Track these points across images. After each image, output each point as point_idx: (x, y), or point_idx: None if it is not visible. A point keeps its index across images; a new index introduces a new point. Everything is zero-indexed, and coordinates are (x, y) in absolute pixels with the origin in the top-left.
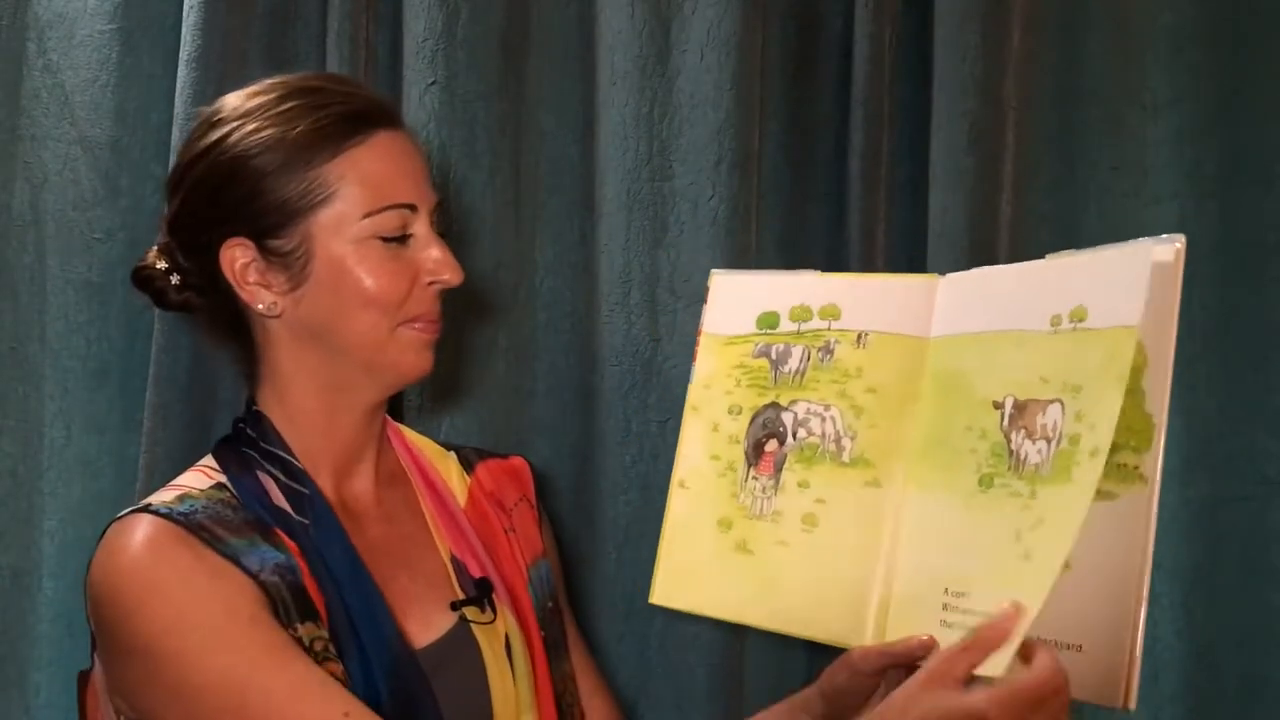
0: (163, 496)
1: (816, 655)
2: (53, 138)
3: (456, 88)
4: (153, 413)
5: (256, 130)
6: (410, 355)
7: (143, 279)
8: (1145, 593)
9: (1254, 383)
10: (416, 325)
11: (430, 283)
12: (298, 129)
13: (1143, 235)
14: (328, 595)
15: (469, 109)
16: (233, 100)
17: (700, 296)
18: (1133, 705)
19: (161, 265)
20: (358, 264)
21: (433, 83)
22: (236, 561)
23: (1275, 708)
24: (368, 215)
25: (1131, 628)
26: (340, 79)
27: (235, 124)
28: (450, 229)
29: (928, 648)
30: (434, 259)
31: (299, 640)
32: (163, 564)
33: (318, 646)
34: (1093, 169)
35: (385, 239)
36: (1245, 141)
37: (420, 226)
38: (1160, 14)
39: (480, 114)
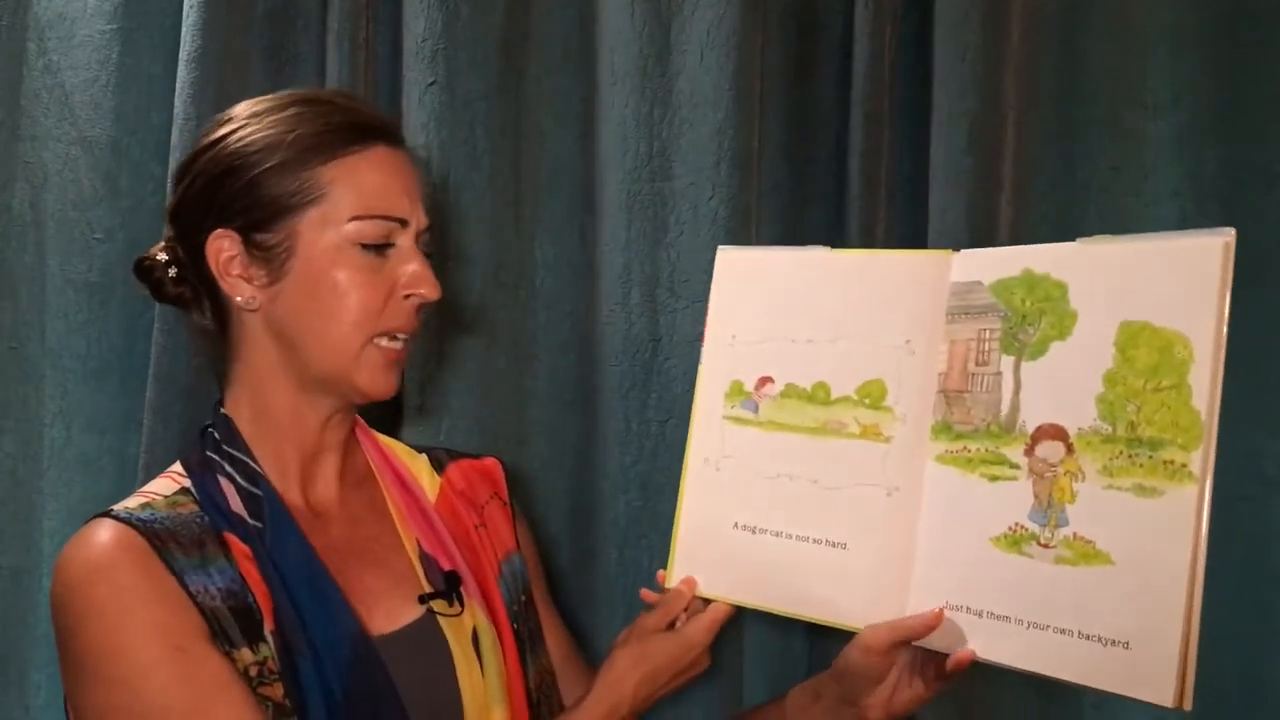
0: (128, 503)
1: (816, 653)
2: (53, 138)
3: (456, 88)
4: (153, 413)
5: (259, 130)
6: (369, 373)
7: (143, 269)
8: (1198, 592)
9: (1254, 383)
10: (385, 341)
11: (407, 295)
12: (298, 132)
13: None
14: (277, 599)
15: (469, 109)
16: (244, 104)
17: (699, 296)
18: (1187, 705)
19: (162, 257)
20: (336, 267)
21: (433, 83)
22: (181, 580)
23: (1275, 708)
24: (354, 219)
25: (1183, 626)
26: (348, 95)
27: (242, 123)
28: (438, 251)
29: (935, 621)
30: (411, 272)
31: (235, 665)
32: (106, 581)
33: (253, 672)
34: (1093, 169)
35: (366, 246)
36: (1245, 141)
37: (404, 240)
38: (1160, 14)
39: (480, 114)
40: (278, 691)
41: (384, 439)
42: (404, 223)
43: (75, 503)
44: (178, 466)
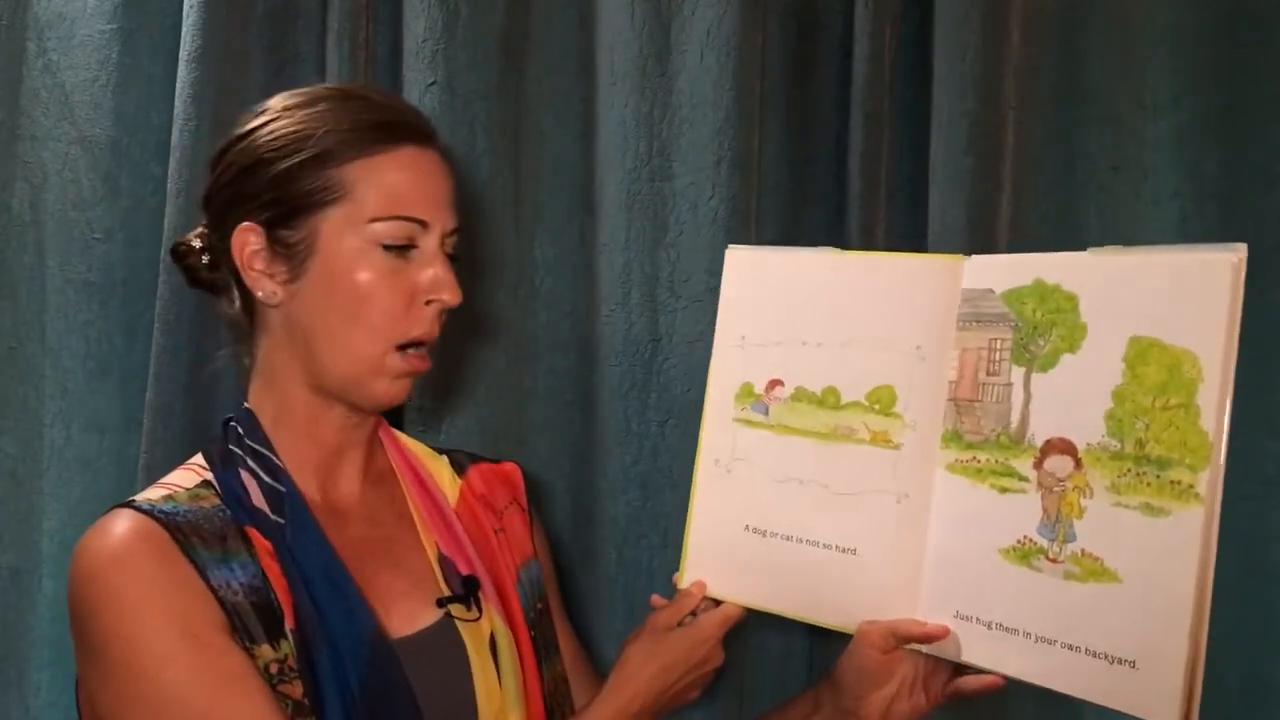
0: (150, 494)
1: (817, 656)
2: (53, 138)
3: (456, 88)
4: (153, 413)
5: (289, 124)
6: (386, 383)
7: (178, 254)
8: (1206, 614)
9: (1254, 383)
10: (410, 352)
11: (428, 301)
12: (326, 129)
13: (1142, 235)
14: (297, 595)
15: (469, 109)
16: (280, 97)
17: (699, 296)
18: None
19: (196, 244)
20: (356, 268)
21: (433, 83)
22: (203, 573)
23: (1276, 709)
24: (375, 220)
25: (1189, 649)
26: (386, 93)
27: (274, 116)
28: (464, 255)
29: (940, 634)
30: (432, 276)
31: (256, 662)
32: (126, 570)
33: (273, 669)
34: (1093, 169)
35: (387, 247)
36: (1245, 141)
37: (428, 244)
38: (1160, 14)
39: (480, 114)
40: (297, 690)
41: (405, 439)
42: (424, 224)
43: (75, 503)
44: (199, 459)
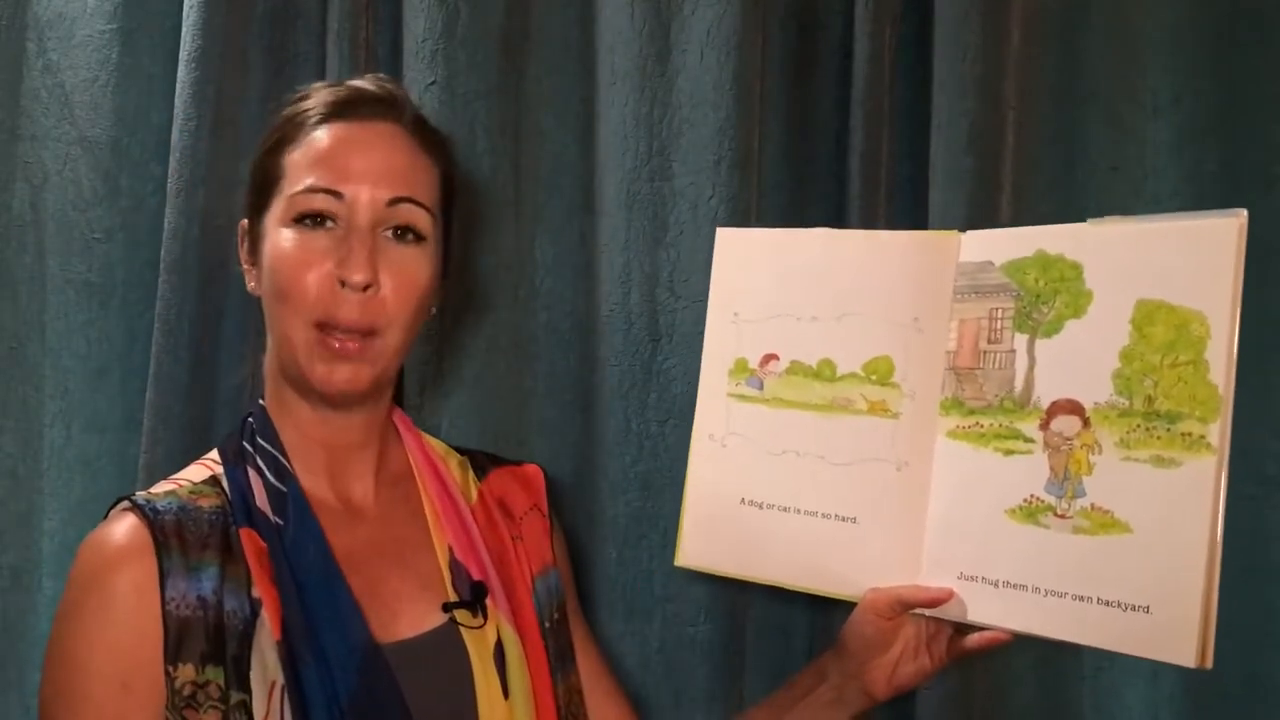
0: (156, 488)
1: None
2: (53, 138)
3: (456, 88)
4: (153, 413)
5: (270, 123)
6: (318, 365)
7: None
8: (1218, 556)
9: (1254, 382)
10: (325, 333)
11: (339, 281)
12: (286, 118)
13: None
14: (287, 604)
15: (469, 109)
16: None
17: (699, 296)
18: (1209, 664)
19: None
20: (274, 247)
21: (433, 83)
22: (164, 586)
23: (1275, 708)
24: (292, 194)
25: (1203, 590)
26: (366, 78)
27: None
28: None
29: (945, 597)
30: (340, 253)
31: (172, 682)
32: (94, 592)
33: (186, 691)
34: (1093, 169)
35: (302, 222)
36: (1245, 141)
37: (357, 220)
38: (1160, 14)
39: (480, 114)
40: (212, 718)
41: (429, 437)
42: (337, 195)
43: (75, 503)
44: (214, 454)
